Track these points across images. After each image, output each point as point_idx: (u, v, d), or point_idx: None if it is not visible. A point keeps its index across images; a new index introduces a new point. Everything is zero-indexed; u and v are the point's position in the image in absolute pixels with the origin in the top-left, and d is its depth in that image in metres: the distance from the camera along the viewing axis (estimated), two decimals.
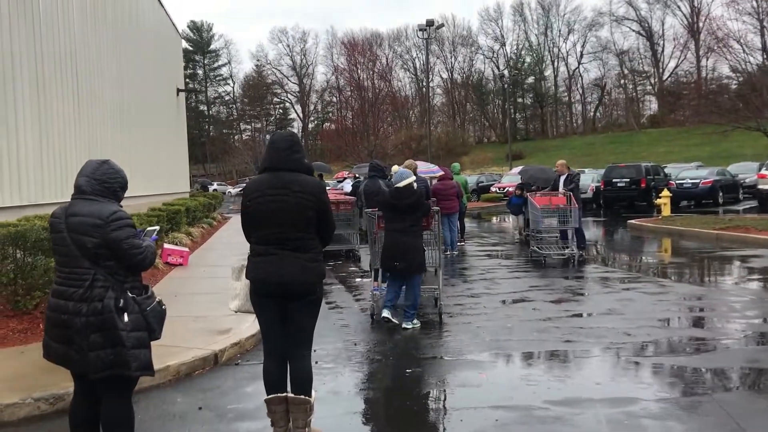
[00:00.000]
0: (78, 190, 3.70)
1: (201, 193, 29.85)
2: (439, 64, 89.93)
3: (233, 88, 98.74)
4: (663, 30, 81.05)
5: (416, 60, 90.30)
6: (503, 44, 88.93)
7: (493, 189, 38.22)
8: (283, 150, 4.10)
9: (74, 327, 3.49)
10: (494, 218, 26.12)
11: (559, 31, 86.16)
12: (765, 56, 28.10)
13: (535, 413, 4.73)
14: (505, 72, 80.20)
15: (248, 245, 4.26)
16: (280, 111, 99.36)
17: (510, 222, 23.31)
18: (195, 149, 79.49)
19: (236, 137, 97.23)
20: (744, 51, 25.72)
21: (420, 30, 36.72)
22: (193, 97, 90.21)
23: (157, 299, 3.78)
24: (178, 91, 25.64)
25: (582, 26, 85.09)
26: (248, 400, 5.20)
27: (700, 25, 70.00)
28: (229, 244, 15.61)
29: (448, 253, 13.72)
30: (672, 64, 79.14)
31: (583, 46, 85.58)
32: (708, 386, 5.29)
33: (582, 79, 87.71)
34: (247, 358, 6.42)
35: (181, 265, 12.31)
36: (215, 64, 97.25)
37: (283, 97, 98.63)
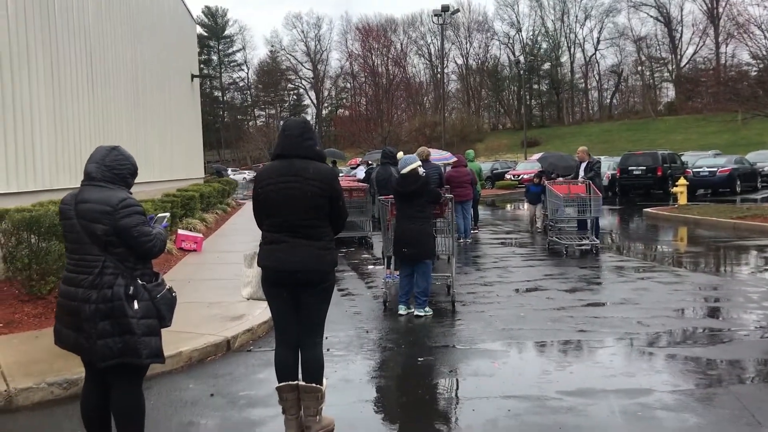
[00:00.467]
0: (88, 177, 3.69)
1: (215, 179, 29.91)
2: (454, 49, 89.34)
3: (248, 74, 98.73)
4: (681, 16, 79.96)
5: (431, 46, 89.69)
6: (519, 30, 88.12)
7: (507, 176, 38.03)
8: (295, 137, 4.07)
9: (83, 314, 3.49)
10: (508, 206, 26.00)
11: (576, 16, 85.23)
12: None
13: (548, 403, 4.69)
14: (521, 58, 79.78)
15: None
16: (294, 97, 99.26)
17: (525, 209, 23.21)
18: (210, 135, 79.71)
19: (250, 123, 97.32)
20: (765, 37, 25.21)
21: (435, 15, 36.49)
22: (208, 82, 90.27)
23: (167, 286, 3.77)
24: (193, 76, 25.64)
25: (599, 12, 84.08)
26: (260, 386, 5.20)
27: (720, 10, 68.86)
28: (243, 230, 15.64)
29: (462, 240, 13.65)
30: (690, 50, 78.17)
31: (600, 32, 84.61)
32: (724, 378, 5.23)
33: (599, 65, 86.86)
34: (259, 344, 6.43)
35: (194, 251, 12.35)
36: (230, 50, 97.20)
37: (297, 83, 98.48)
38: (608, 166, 28.84)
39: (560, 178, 13.77)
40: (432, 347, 6.26)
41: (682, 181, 20.81)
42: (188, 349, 5.83)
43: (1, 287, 7.89)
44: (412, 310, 7.48)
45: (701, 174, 25.92)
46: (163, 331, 3.80)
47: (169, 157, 20.28)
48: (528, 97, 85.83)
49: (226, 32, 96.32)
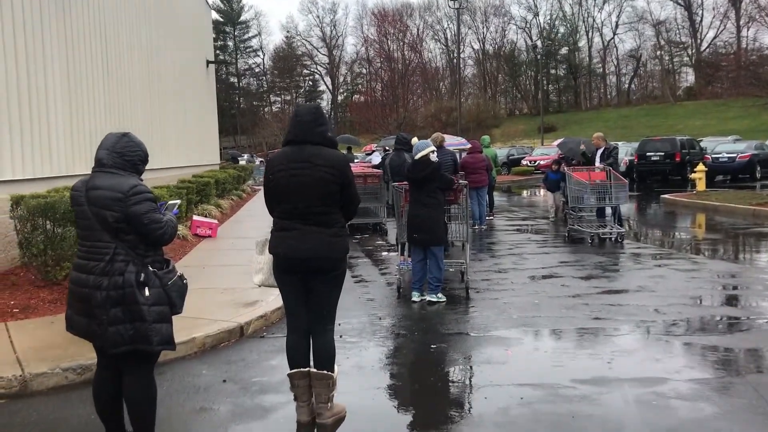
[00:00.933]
0: (98, 164, 3.68)
1: (231, 165, 29.98)
2: (470, 34, 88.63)
3: (263, 59, 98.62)
4: None
5: (447, 30, 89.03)
6: (536, 14, 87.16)
7: (524, 162, 37.80)
8: (306, 123, 4.03)
9: (95, 301, 3.49)
10: (525, 192, 25.85)
11: (594, 0, 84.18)
12: None
13: (561, 392, 4.65)
14: (538, 43, 78.86)
15: None
16: (310, 83, 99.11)
17: (541, 195, 23.06)
18: (225, 121, 79.76)
19: (266, 109, 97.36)
20: None
21: (451, 0, 36.15)
22: (224, 69, 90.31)
23: (178, 273, 3.76)
24: (208, 62, 25.63)
25: None
26: (272, 373, 5.20)
27: None
28: (258, 216, 15.67)
29: (477, 227, 13.59)
30: (711, 34, 76.94)
31: (618, 16, 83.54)
32: (741, 367, 5.16)
33: (617, 50, 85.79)
34: (272, 330, 6.44)
35: (210, 236, 12.39)
36: (245, 36, 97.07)
37: (312, 69, 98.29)
38: (626, 151, 28.55)
39: (582, 165, 13.32)
40: (445, 334, 6.23)
41: (700, 167, 20.56)
42: (201, 335, 5.85)
43: (18, 273, 7.97)
44: (426, 296, 7.46)
45: (720, 160, 25.60)
46: (177, 317, 3.80)
47: (185, 143, 20.33)
48: (545, 82, 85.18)
49: (242, 18, 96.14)
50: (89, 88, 11.67)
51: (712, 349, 5.57)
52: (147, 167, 3.91)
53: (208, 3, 27.66)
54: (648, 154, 26.36)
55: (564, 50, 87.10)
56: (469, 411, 4.48)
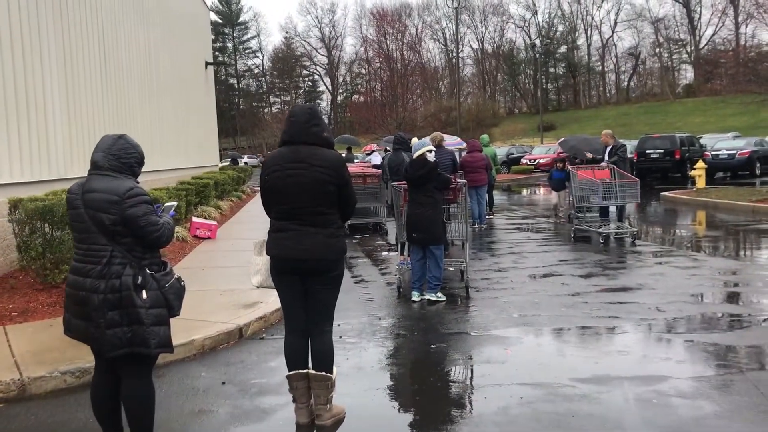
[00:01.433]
0: (94, 166, 3.67)
1: (230, 166, 29.98)
2: (469, 33, 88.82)
3: (262, 60, 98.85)
4: None
5: (446, 30, 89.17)
6: (535, 13, 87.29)
7: (523, 161, 37.79)
8: (301, 123, 4.01)
9: (92, 304, 3.48)
10: (524, 191, 25.83)
11: None
12: None
13: (561, 391, 4.64)
14: (537, 41, 78.94)
15: None
16: (309, 83, 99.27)
17: (540, 194, 23.05)
18: (225, 123, 79.86)
19: (266, 110, 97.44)
20: None
21: None
22: (223, 70, 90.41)
23: (175, 275, 3.74)
24: (207, 64, 25.63)
25: None
26: (272, 375, 5.19)
27: None
28: (257, 217, 15.65)
29: (476, 226, 13.58)
30: (709, 31, 77.16)
31: (617, 14, 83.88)
32: (741, 364, 5.14)
33: (616, 48, 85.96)
34: (271, 332, 6.42)
35: (209, 238, 12.38)
36: (244, 37, 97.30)
37: (311, 70, 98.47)
38: (626, 149, 28.46)
39: (586, 163, 13.04)
40: (445, 334, 6.21)
41: (700, 164, 20.54)
42: (200, 337, 5.83)
43: (16, 276, 7.95)
44: (426, 296, 7.45)
45: (720, 157, 25.58)
46: (177, 318, 3.79)
47: (184, 145, 20.33)
48: (544, 80, 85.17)
49: (241, 19, 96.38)
50: (87, 90, 11.66)
51: (713, 346, 5.55)
52: (146, 169, 3.91)
53: (206, 4, 27.66)
54: (648, 151, 26.33)
55: (563, 48, 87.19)
56: (470, 411, 4.46)
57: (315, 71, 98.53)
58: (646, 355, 5.42)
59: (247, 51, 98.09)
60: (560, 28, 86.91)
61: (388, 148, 24.08)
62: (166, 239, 3.71)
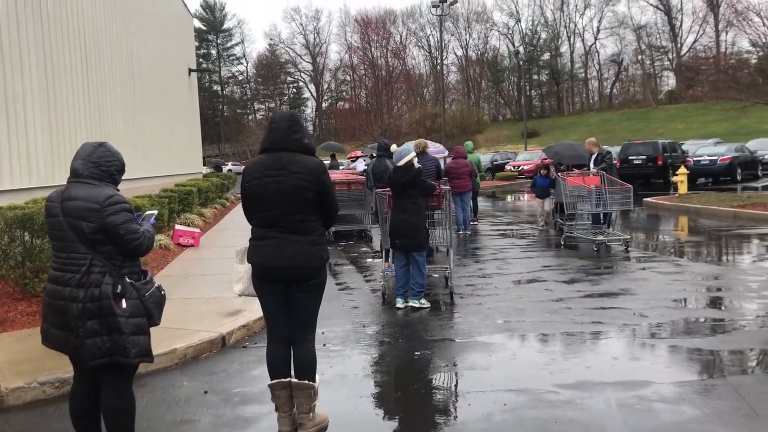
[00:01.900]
0: (74, 174, 3.63)
1: (215, 173, 29.85)
2: (453, 41, 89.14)
3: (247, 67, 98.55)
4: (681, 4, 79.55)
5: (430, 37, 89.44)
6: (518, 20, 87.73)
7: (507, 167, 37.94)
8: (282, 130, 3.99)
9: (71, 313, 3.44)
10: (509, 197, 25.92)
11: (576, 6, 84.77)
12: None
13: (545, 397, 4.64)
14: (521, 48, 79.42)
15: None
16: (294, 90, 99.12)
17: (525, 200, 23.13)
18: (209, 129, 79.59)
19: (250, 117, 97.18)
20: (764, 24, 25.09)
21: (434, 6, 36.29)
22: (207, 77, 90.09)
23: (156, 284, 3.71)
24: (190, 71, 25.54)
25: (599, 1, 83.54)
26: (254, 383, 5.15)
27: None
28: (241, 225, 15.54)
29: (461, 232, 13.61)
30: (690, 38, 77.86)
31: (599, 22, 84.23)
32: (723, 369, 5.18)
33: (598, 55, 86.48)
34: (254, 340, 6.38)
35: (192, 246, 12.30)
36: (228, 44, 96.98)
37: (296, 77, 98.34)
38: None
39: (575, 170, 12.83)
40: (429, 341, 6.21)
41: (682, 170, 20.72)
42: (183, 346, 5.79)
43: None
44: (409, 302, 7.44)
45: (702, 163, 25.83)
46: (159, 327, 3.76)
47: (167, 152, 20.22)
48: (528, 87, 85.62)
49: (225, 26, 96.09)
50: (69, 98, 11.57)
51: (695, 351, 5.59)
52: (129, 176, 3.88)
53: (190, 11, 27.57)
54: (630, 157, 26.51)
55: (546, 56, 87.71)
56: (454, 418, 4.45)
57: (300, 78, 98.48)
58: (628, 361, 5.44)
59: (231, 58, 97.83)
60: (543, 35, 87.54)
61: (373, 155, 24.14)
62: (147, 248, 3.68)
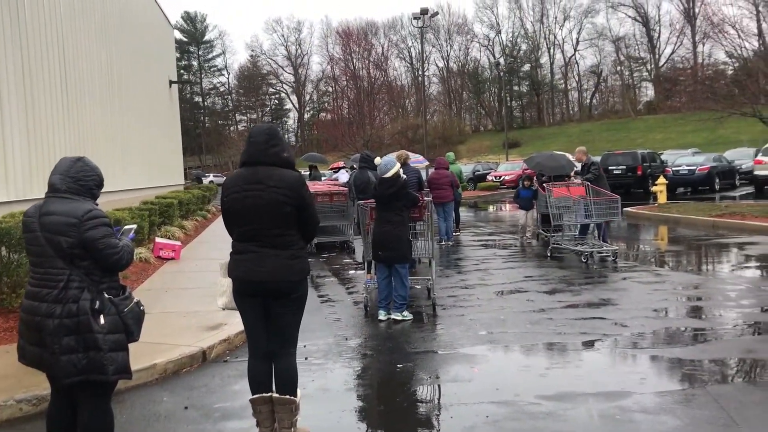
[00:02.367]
0: (52, 189, 3.59)
1: (196, 185, 29.70)
2: (434, 52, 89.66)
3: (228, 79, 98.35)
4: (659, 16, 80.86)
5: (412, 49, 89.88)
6: (499, 32, 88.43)
7: (489, 178, 38.12)
8: (260, 143, 3.98)
9: (46, 329, 3.39)
10: (491, 207, 26.02)
11: (555, 18, 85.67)
12: (760, 42, 27.93)
13: (527, 408, 4.64)
14: (501, 60, 79.97)
15: None
16: (276, 101, 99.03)
17: (506, 211, 23.24)
18: (190, 141, 79.19)
19: (232, 128, 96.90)
20: (740, 36, 25.51)
21: (415, 18, 36.46)
22: (188, 88, 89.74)
23: (135, 300, 3.67)
24: (171, 82, 25.45)
25: (578, 13, 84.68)
26: (235, 398, 5.11)
27: (696, 10, 69.67)
28: (223, 237, 15.46)
29: (443, 243, 13.63)
30: (668, 50, 78.90)
31: (579, 33, 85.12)
32: (703, 378, 5.21)
33: (578, 66, 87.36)
34: (236, 354, 6.33)
35: (173, 259, 12.21)
36: (210, 55, 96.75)
37: (278, 88, 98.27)
38: None
39: (558, 182, 12.65)
40: (411, 353, 6.20)
41: (661, 179, 20.94)
42: (163, 361, 5.73)
43: None
44: (391, 315, 7.43)
45: (681, 172, 26.10)
46: (138, 342, 3.73)
47: (148, 164, 20.09)
48: (508, 98, 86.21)
49: (206, 37, 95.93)
50: (47, 110, 11.47)
51: (675, 361, 5.63)
52: (109, 189, 3.85)
53: (170, 22, 27.50)
54: (610, 167, 26.71)
55: (526, 67, 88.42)
56: (437, 430, 4.45)
57: (281, 89, 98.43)
58: (610, 371, 5.47)
59: (212, 69, 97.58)
60: (524, 46, 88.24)
61: (354, 166, 24.12)
62: (126, 262, 3.64)
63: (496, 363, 5.85)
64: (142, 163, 19.24)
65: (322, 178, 25.52)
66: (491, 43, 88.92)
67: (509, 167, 38.39)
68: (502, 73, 72.53)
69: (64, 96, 12.38)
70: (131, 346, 3.67)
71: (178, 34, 73.27)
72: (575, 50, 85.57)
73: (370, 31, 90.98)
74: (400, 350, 6.30)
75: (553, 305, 7.87)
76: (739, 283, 8.86)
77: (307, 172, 21.47)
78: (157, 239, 12.70)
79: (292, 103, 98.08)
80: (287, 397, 4.01)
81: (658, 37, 79.98)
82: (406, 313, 7.43)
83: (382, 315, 7.45)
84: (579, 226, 11.97)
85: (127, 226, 3.97)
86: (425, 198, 8.44)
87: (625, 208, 19.64)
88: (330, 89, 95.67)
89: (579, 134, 69.75)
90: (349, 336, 6.89)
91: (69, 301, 3.42)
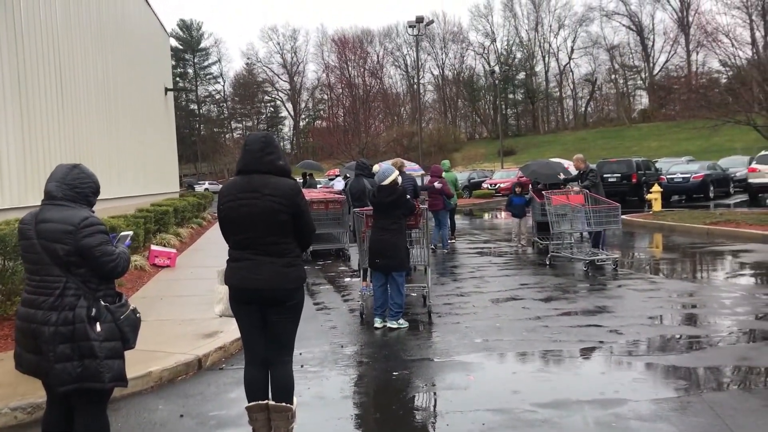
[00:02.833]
0: (48, 196, 3.60)
1: (191, 192, 29.66)
2: (429, 60, 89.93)
3: (224, 86, 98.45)
4: (653, 24, 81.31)
5: (407, 57, 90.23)
6: (494, 40, 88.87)
7: (484, 185, 38.20)
8: (255, 152, 3.99)
9: (42, 336, 3.39)
10: (486, 215, 26.06)
11: (550, 26, 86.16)
12: (754, 50, 28.07)
13: (523, 416, 4.65)
14: (496, 68, 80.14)
15: None
16: (271, 109, 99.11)
17: (502, 218, 23.27)
18: (186, 148, 79.15)
19: (227, 136, 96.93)
20: (733, 45, 25.64)
21: (410, 27, 36.59)
22: (184, 96, 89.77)
23: (131, 307, 3.67)
24: (167, 90, 25.45)
25: (572, 21, 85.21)
26: (231, 406, 5.10)
27: (690, 19, 70.10)
28: (218, 245, 15.44)
29: (439, 251, 13.64)
30: (662, 58, 79.37)
31: (573, 42, 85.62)
32: (698, 386, 5.23)
33: (573, 74, 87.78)
34: (231, 362, 6.32)
35: (168, 266, 12.19)
36: (205, 63, 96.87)
37: (273, 96, 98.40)
38: None
39: (549, 189, 12.66)
40: (407, 361, 6.19)
41: (656, 187, 21.00)
42: (158, 369, 5.71)
43: None
44: (387, 323, 7.42)
45: (675, 180, 26.18)
46: (134, 350, 3.72)
47: (143, 172, 20.07)
48: (504, 106, 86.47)
49: (202, 45, 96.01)
50: (43, 117, 11.46)
51: (671, 368, 5.64)
52: (104, 196, 3.85)
53: (166, 30, 27.53)
54: (605, 175, 26.75)
55: (521, 75, 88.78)
56: None
57: (277, 97, 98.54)
58: (605, 379, 5.47)
59: (208, 77, 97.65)
60: (518, 55, 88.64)
61: (348, 175, 24.15)
62: (122, 270, 3.64)
63: (491, 371, 5.86)
64: (138, 171, 19.22)
65: (318, 186, 25.56)
66: (486, 52, 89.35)
67: (504, 175, 38.51)
68: (497, 81, 72.77)
69: (59, 103, 12.37)
70: (126, 353, 3.66)
71: (173, 42, 73.36)
72: (570, 58, 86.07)
73: (366, 39, 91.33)
74: (395, 358, 6.30)
75: (548, 313, 7.88)
76: (734, 290, 8.88)
77: (301, 180, 21.48)
78: (153, 247, 12.68)
79: (288, 111, 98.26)
80: (283, 404, 4.00)
81: (653, 45, 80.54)
82: (402, 321, 7.43)
83: (377, 323, 7.45)
84: (591, 234, 11.78)
85: (122, 233, 3.97)
86: (420, 206, 8.45)
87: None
88: (325, 97, 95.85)
89: (574, 142, 69.99)
90: (344, 344, 6.88)
91: (65, 308, 3.42)
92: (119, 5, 18.20)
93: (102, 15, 16.06)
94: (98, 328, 3.46)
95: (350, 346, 6.78)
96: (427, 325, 7.57)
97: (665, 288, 9.21)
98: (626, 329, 6.94)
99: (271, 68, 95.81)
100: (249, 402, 4.09)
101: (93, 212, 3.68)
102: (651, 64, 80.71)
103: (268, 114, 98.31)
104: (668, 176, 26.45)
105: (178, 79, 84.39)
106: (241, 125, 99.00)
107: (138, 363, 5.47)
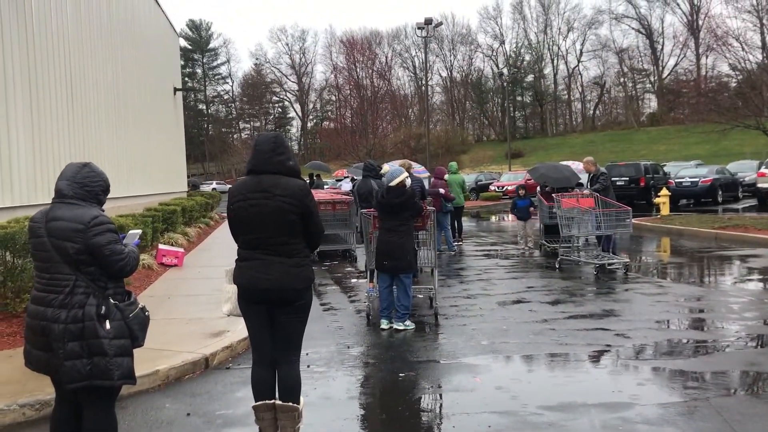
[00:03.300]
0: (59, 194, 3.62)
1: (195, 192, 29.76)
2: (438, 62, 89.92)
3: (232, 86, 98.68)
4: (663, 28, 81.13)
5: (415, 58, 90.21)
6: (502, 42, 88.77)
7: (492, 188, 38.16)
8: (265, 152, 4.01)
9: (52, 334, 3.41)
10: (493, 217, 26.02)
11: (559, 29, 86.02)
12: (764, 54, 27.99)
13: (529, 419, 4.64)
14: (505, 70, 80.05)
15: None
16: (279, 110, 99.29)
17: (509, 221, 23.24)
18: (194, 148, 79.45)
19: (235, 136, 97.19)
20: (743, 49, 25.62)
21: (419, 28, 36.57)
22: (192, 96, 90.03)
23: (140, 305, 3.69)
24: (175, 90, 25.53)
25: (581, 24, 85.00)
26: (238, 405, 5.11)
27: (700, 22, 69.89)
28: (226, 244, 15.50)
29: (446, 252, 13.63)
30: (672, 62, 79.11)
31: (582, 44, 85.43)
32: (705, 390, 5.21)
33: (581, 77, 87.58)
34: (238, 361, 6.34)
35: (175, 266, 12.23)
36: (214, 63, 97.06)
37: (282, 96, 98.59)
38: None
39: (557, 192, 12.60)
40: (414, 362, 6.19)
41: (664, 191, 20.93)
42: (165, 368, 5.73)
43: None
44: (393, 324, 7.42)
45: (684, 184, 26.09)
46: (141, 348, 3.74)
47: (152, 171, 20.13)
48: (512, 108, 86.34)
49: (211, 45, 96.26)
50: (53, 116, 11.52)
51: (678, 373, 5.62)
52: (113, 195, 3.87)
53: (175, 30, 27.62)
54: (613, 179, 26.67)
55: (530, 77, 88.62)
56: None
57: (285, 98, 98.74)
58: (612, 382, 5.46)
59: (216, 77, 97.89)
60: (527, 57, 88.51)
61: (354, 177, 24.16)
62: (131, 268, 3.66)
63: (498, 373, 5.85)
64: (146, 170, 19.29)
65: (325, 187, 25.59)
66: (495, 54, 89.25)
67: (512, 177, 38.46)
68: (505, 84, 72.65)
69: (69, 102, 12.44)
70: (134, 351, 3.68)
71: (182, 42, 73.62)
72: (579, 61, 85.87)
73: (374, 40, 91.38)
74: (402, 359, 6.30)
75: (555, 316, 7.87)
76: (742, 295, 8.85)
77: (308, 181, 21.51)
78: (160, 246, 12.72)
79: (296, 112, 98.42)
80: (290, 404, 4.01)
81: (662, 49, 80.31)
82: (408, 322, 7.44)
83: (384, 324, 7.46)
84: (601, 238, 11.66)
85: (131, 232, 3.98)
86: (428, 207, 8.45)
87: None
88: (333, 98, 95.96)
89: (582, 145, 69.83)
90: (351, 344, 6.89)
91: (75, 306, 3.44)
92: (129, 7, 18.28)
93: (112, 17, 16.13)
94: (107, 325, 3.48)
95: (357, 347, 6.79)
96: (434, 326, 7.57)
97: (673, 292, 9.18)
98: (633, 333, 6.92)
99: (280, 69, 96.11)
100: (256, 401, 4.11)
101: (103, 211, 3.70)
102: (660, 68, 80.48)
103: (276, 114, 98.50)
104: (676, 180, 26.36)
105: (186, 78, 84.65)
106: (249, 125, 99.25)
107: (145, 361, 5.49)
